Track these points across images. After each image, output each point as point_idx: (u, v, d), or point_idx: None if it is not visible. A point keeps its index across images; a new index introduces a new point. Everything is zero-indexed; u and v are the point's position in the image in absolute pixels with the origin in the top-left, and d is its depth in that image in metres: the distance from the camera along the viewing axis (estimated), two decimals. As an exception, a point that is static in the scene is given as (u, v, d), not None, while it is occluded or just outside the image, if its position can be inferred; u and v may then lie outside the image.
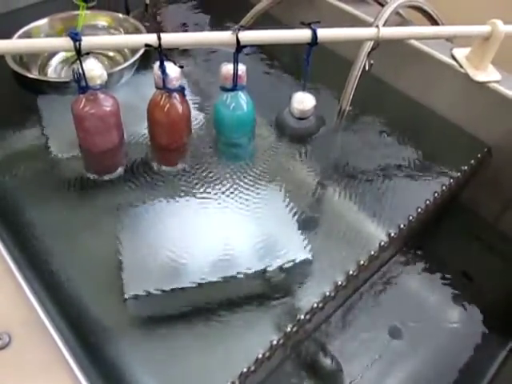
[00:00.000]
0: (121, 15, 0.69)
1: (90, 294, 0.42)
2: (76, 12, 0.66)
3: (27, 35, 0.65)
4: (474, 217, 0.66)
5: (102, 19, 0.69)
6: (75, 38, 0.42)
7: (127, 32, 0.68)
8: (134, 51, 0.63)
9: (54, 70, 0.65)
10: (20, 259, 0.39)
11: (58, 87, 0.59)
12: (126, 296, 0.41)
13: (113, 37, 0.45)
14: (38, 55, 0.65)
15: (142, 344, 0.40)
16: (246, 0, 0.79)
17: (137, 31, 0.67)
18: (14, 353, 0.31)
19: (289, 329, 0.41)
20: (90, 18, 0.67)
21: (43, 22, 0.67)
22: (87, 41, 0.42)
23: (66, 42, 0.42)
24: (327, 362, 0.55)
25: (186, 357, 0.39)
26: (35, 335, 0.32)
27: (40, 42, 0.45)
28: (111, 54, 0.67)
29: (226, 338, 0.40)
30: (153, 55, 0.64)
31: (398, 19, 0.67)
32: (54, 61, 0.66)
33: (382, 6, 0.66)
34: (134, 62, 0.61)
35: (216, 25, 0.79)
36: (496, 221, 0.65)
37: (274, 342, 0.40)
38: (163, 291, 0.42)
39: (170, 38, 0.44)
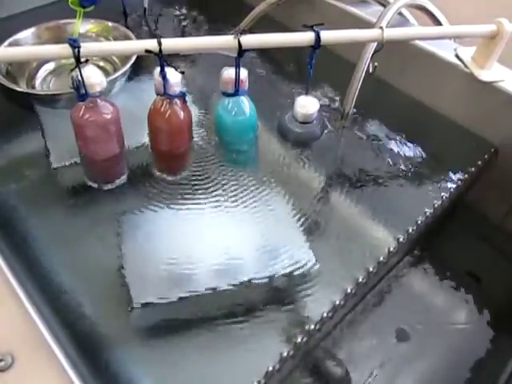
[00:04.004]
0: (110, 23, 0.67)
1: (93, 307, 0.41)
2: (63, 21, 0.66)
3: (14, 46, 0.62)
4: (481, 218, 0.65)
5: (91, 27, 0.67)
6: (74, 44, 0.41)
7: (117, 40, 0.65)
8: (124, 60, 0.62)
9: (43, 82, 0.63)
10: (21, 273, 0.38)
11: (49, 100, 0.58)
12: (133, 305, 0.40)
13: (112, 43, 0.44)
14: (26, 67, 0.63)
15: (148, 358, 0.39)
16: (245, 3, 0.79)
17: (126, 39, 0.64)
18: (18, 374, 0.30)
19: (299, 340, 0.40)
20: (75, 27, 0.64)
21: (29, 32, 0.65)
22: (86, 47, 0.41)
23: (64, 49, 0.41)
24: (334, 367, 0.55)
25: (191, 370, 0.38)
26: (39, 355, 0.31)
27: (37, 49, 0.44)
28: (101, 63, 0.66)
29: (233, 351, 0.39)
30: (144, 63, 0.64)
31: (400, 19, 0.66)
32: (42, 72, 0.64)
33: (384, 6, 0.65)
34: (126, 70, 0.59)
35: (215, 28, 0.78)
36: (503, 222, 0.65)
37: (284, 354, 0.39)
38: (169, 300, 0.41)
39: (170, 43, 0.43)
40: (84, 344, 0.37)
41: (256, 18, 0.71)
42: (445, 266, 0.64)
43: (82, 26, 0.65)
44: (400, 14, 0.66)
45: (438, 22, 0.66)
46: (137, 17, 0.75)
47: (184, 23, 0.79)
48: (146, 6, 0.74)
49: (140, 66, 0.63)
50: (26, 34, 0.64)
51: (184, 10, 0.82)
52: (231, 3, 0.83)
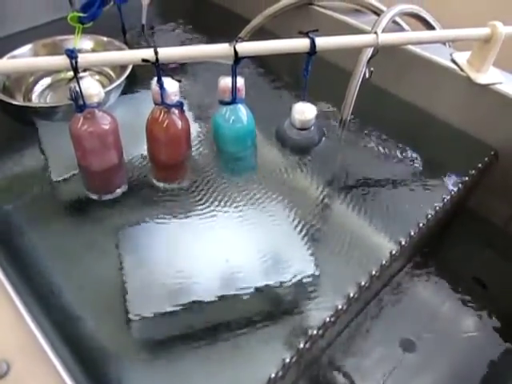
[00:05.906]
0: (105, 38, 0.68)
1: (91, 317, 0.40)
2: (59, 37, 0.66)
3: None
4: (485, 222, 0.65)
5: (86, 43, 0.68)
6: (71, 55, 0.42)
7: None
8: (119, 73, 0.62)
9: (39, 97, 0.64)
10: (18, 284, 0.38)
11: (47, 113, 0.58)
12: (131, 317, 0.40)
13: (109, 53, 0.44)
14: (23, 82, 0.64)
15: (147, 367, 0.38)
16: (242, 19, 0.80)
17: None
18: (13, 382, 0.29)
19: (301, 345, 0.39)
20: (74, 42, 0.65)
21: (26, 48, 0.65)
22: (83, 57, 0.42)
23: (62, 60, 0.42)
24: (340, 379, 0.53)
25: (193, 379, 0.37)
26: (35, 362, 0.30)
27: (35, 60, 0.44)
28: (97, 77, 0.67)
29: (235, 359, 0.39)
30: (139, 75, 0.64)
31: (395, 27, 0.67)
32: (39, 87, 0.65)
33: (378, 15, 0.66)
34: (121, 82, 0.60)
35: (213, 43, 0.79)
36: (507, 225, 0.64)
37: (287, 360, 0.38)
38: (168, 310, 0.41)
39: (167, 52, 0.44)
40: (80, 352, 0.36)
41: (252, 30, 0.72)
42: (450, 272, 0.64)
43: (78, 43, 0.66)
44: (395, 22, 0.67)
45: (432, 30, 0.66)
46: (135, 33, 0.76)
47: (182, 39, 0.80)
48: (144, 22, 0.75)
49: (135, 79, 0.64)
50: (23, 50, 0.65)
51: (182, 26, 0.83)
52: (229, 19, 0.84)
